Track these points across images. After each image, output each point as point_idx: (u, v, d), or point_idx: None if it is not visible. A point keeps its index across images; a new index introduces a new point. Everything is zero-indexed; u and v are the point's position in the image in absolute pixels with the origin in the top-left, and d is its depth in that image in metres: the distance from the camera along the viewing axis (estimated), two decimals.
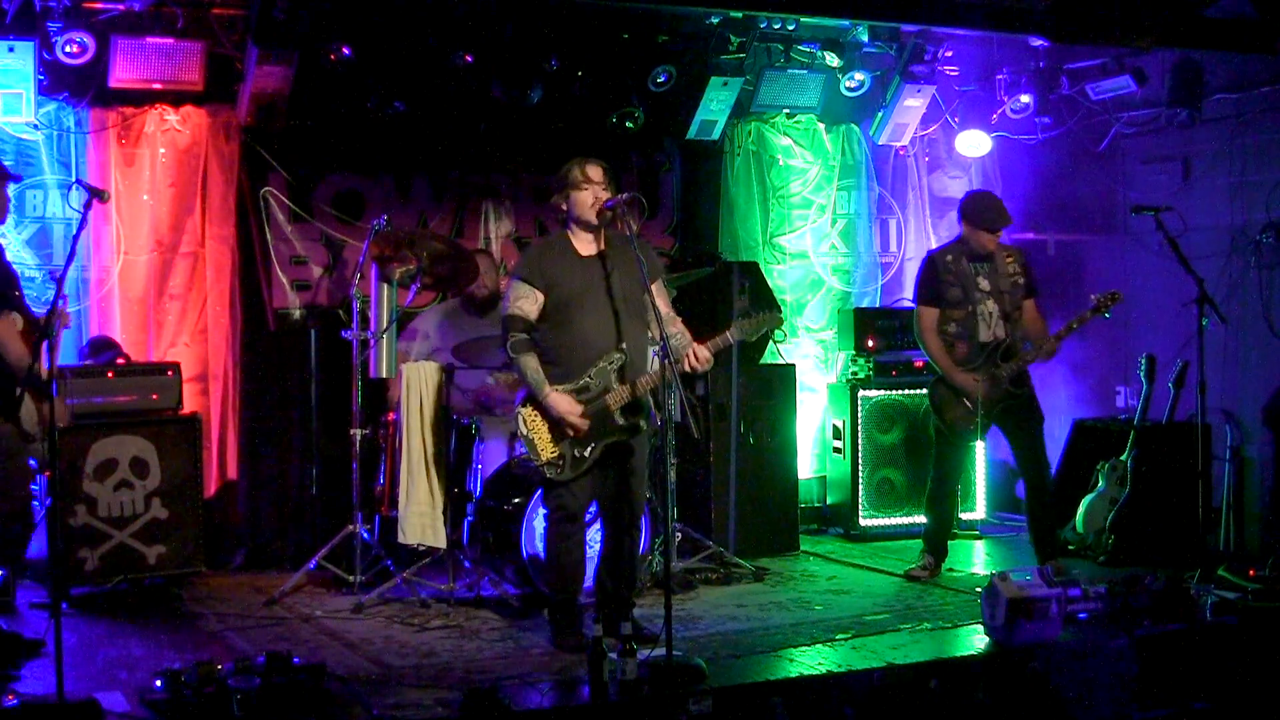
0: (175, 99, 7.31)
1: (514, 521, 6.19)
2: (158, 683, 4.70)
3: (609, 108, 7.97)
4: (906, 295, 9.04)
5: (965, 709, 5.26)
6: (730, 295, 7.63)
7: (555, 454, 5.48)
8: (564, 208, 5.56)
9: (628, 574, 5.68)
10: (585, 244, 5.57)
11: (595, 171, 5.49)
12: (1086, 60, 8.45)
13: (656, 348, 5.36)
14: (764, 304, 7.58)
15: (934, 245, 9.17)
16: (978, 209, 6.89)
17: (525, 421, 5.51)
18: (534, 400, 5.50)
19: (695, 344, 5.47)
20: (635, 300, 5.49)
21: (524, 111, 7.73)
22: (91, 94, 7.14)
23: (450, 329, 7.15)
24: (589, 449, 5.49)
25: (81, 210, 5.31)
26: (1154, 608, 5.83)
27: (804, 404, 8.28)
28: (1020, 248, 7.11)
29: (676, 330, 5.52)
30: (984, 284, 6.85)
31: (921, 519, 8.19)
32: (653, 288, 5.48)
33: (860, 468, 8.12)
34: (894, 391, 8.22)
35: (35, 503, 5.93)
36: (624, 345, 5.49)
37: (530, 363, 5.46)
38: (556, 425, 5.46)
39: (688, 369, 5.45)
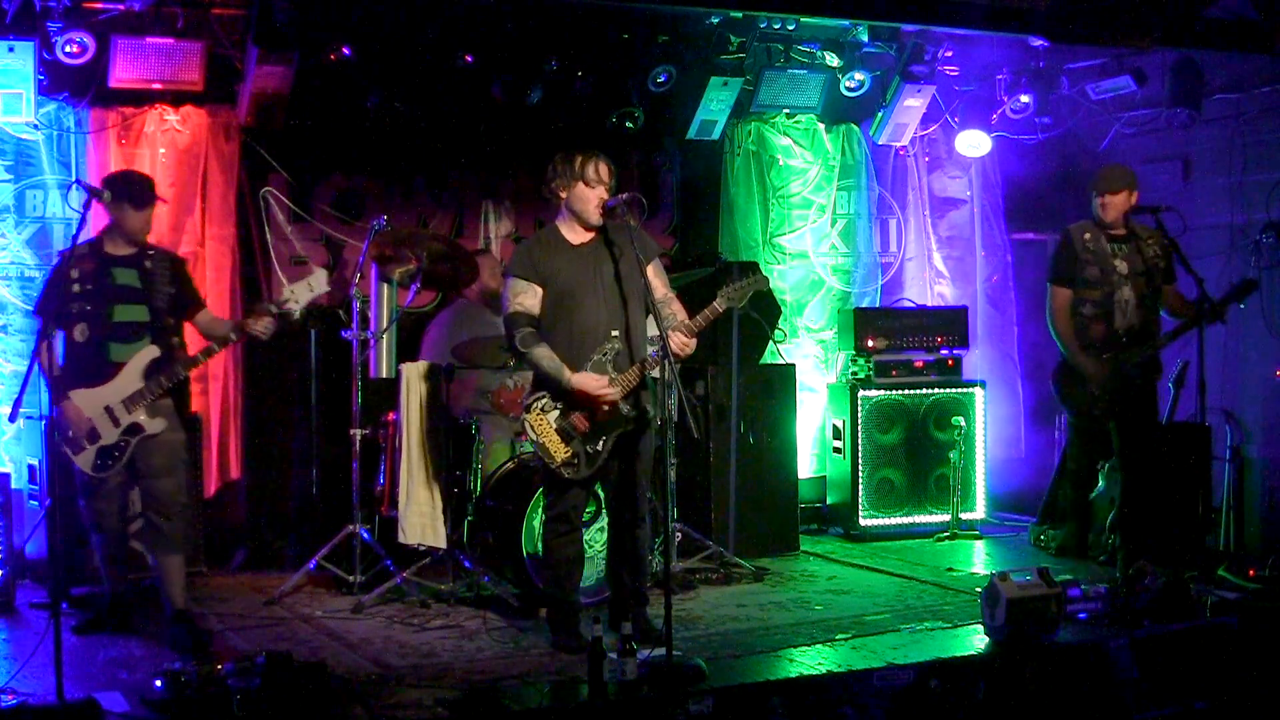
0: (175, 99, 7.31)
1: (514, 521, 6.18)
2: (158, 683, 4.70)
3: (609, 108, 7.97)
4: (907, 295, 9.06)
5: (965, 709, 5.26)
6: None
7: (569, 454, 5.46)
8: (563, 196, 5.53)
9: (639, 565, 5.66)
10: (576, 233, 5.55)
11: (605, 171, 5.46)
12: (1086, 60, 8.45)
13: (656, 346, 5.35)
14: (762, 305, 7.58)
15: (933, 245, 9.20)
16: (1097, 175, 6.74)
17: (533, 427, 5.48)
18: (549, 395, 5.46)
19: (675, 331, 5.32)
20: (633, 284, 5.47)
21: (524, 111, 7.74)
22: (91, 94, 7.15)
23: (460, 330, 7.14)
24: (601, 442, 5.47)
25: (81, 210, 5.36)
26: (1154, 608, 5.83)
27: (804, 404, 8.28)
28: (1162, 231, 6.77)
29: (670, 312, 5.47)
30: (1122, 266, 6.65)
31: (921, 519, 8.26)
32: (649, 269, 5.48)
33: (860, 468, 8.12)
34: (894, 391, 8.22)
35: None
36: (618, 333, 5.46)
37: (544, 352, 5.40)
38: (564, 425, 5.45)
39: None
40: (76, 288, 5.71)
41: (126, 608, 5.99)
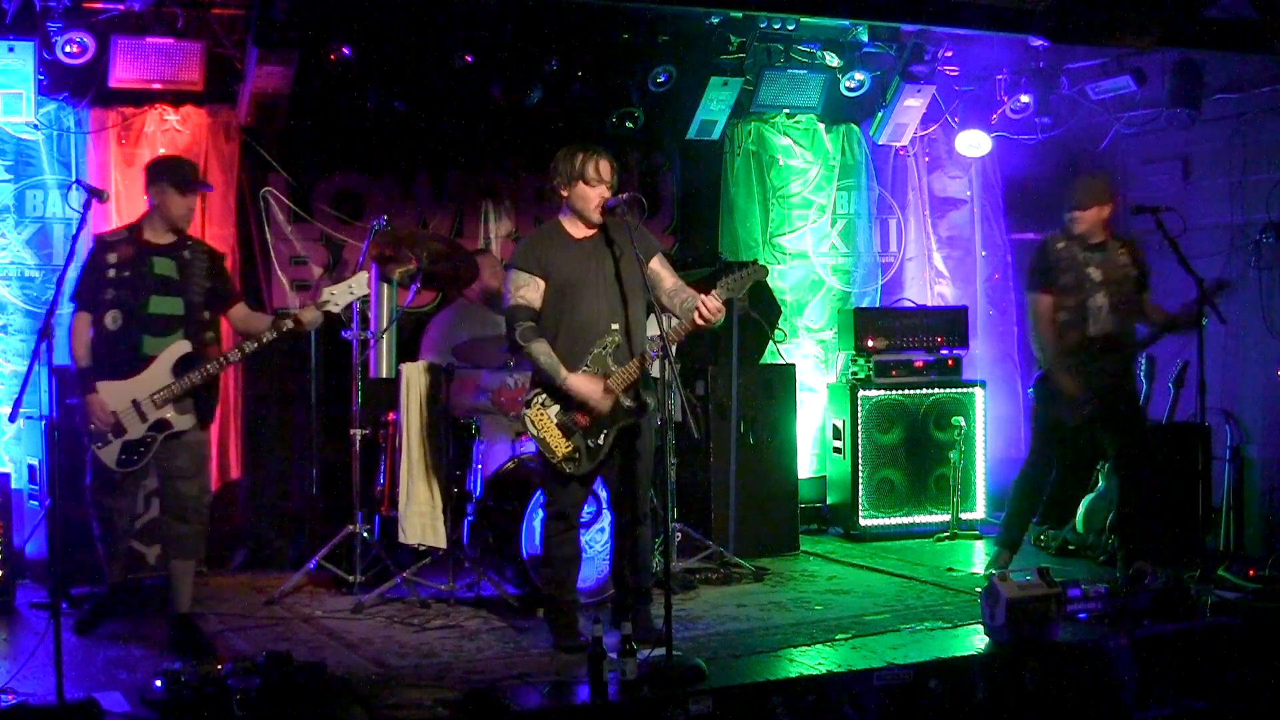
0: (175, 99, 7.31)
1: (514, 521, 6.19)
2: (158, 683, 4.70)
3: (609, 108, 7.97)
4: (907, 295, 9.06)
5: (965, 709, 5.26)
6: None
7: (570, 449, 5.45)
8: (564, 194, 5.52)
9: (643, 563, 5.65)
10: (579, 229, 5.55)
11: (606, 170, 5.44)
12: (1086, 60, 8.45)
13: (655, 346, 5.34)
14: (762, 304, 7.58)
15: (933, 245, 9.21)
16: (1071, 188, 6.77)
17: (533, 423, 5.48)
18: (548, 391, 5.45)
19: (703, 296, 5.33)
20: (634, 281, 5.47)
21: (524, 111, 7.74)
22: (91, 94, 7.14)
23: (460, 330, 7.14)
24: (601, 437, 5.46)
25: (81, 210, 5.33)
26: (1154, 608, 5.83)
27: (804, 404, 8.28)
28: (1136, 238, 6.91)
29: (685, 296, 5.46)
30: (1095, 274, 6.67)
31: (921, 519, 8.26)
32: (654, 263, 5.49)
33: (860, 468, 8.12)
34: (894, 391, 8.22)
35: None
36: (618, 326, 5.45)
37: (542, 348, 5.40)
38: (565, 420, 5.44)
39: (700, 323, 5.31)
40: (113, 273, 5.61)
41: (125, 603, 5.95)
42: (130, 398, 5.56)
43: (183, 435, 5.65)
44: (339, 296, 5.82)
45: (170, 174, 5.75)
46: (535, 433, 5.47)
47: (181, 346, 5.64)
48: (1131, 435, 6.80)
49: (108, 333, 5.61)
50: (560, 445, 5.45)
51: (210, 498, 5.99)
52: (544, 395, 5.49)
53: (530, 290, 5.46)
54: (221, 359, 5.75)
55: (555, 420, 5.45)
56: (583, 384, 5.38)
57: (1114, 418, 6.76)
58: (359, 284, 5.88)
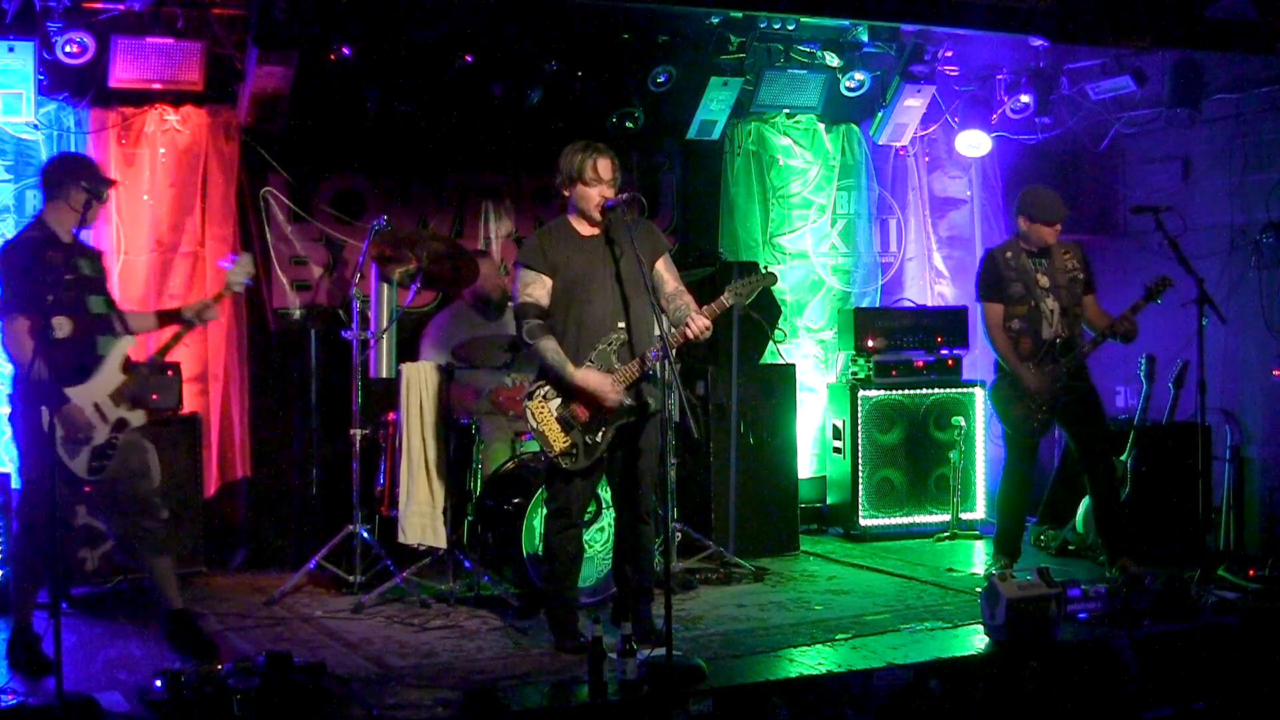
0: (175, 99, 7.31)
1: (514, 521, 6.19)
2: (158, 683, 4.70)
3: (609, 108, 7.97)
4: (907, 295, 9.06)
5: (965, 709, 5.26)
6: None
7: (568, 444, 5.45)
8: (566, 194, 5.53)
9: (645, 561, 5.64)
10: (585, 227, 5.55)
11: (606, 169, 5.44)
12: (1086, 60, 8.46)
13: (656, 341, 5.35)
14: (763, 304, 7.58)
15: (933, 245, 9.21)
16: (1035, 203, 6.82)
17: (533, 415, 5.48)
18: (552, 384, 5.46)
19: (693, 314, 5.36)
20: (635, 278, 5.46)
21: (524, 111, 7.74)
22: (91, 94, 7.14)
23: (458, 330, 7.15)
24: (600, 434, 5.46)
25: (82, 210, 5.31)
26: (1154, 608, 5.83)
27: (804, 404, 8.28)
28: (1079, 243, 7.07)
29: (681, 303, 5.48)
30: (1043, 280, 6.77)
31: (921, 519, 8.27)
32: (659, 263, 5.50)
33: (860, 468, 8.12)
34: (894, 391, 8.22)
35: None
36: (623, 324, 5.45)
37: (550, 344, 5.40)
38: (564, 414, 5.44)
39: (690, 337, 5.33)
40: (52, 277, 5.39)
41: (35, 640, 5.46)
42: (91, 401, 5.43)
43: (136, 431, 5.58)
44: (237, 275, 5.83)
45: (96, 174, 5.61)
46: (534, 425, 5.48)
47: (127, 342, 5.59)
48: (1093, 433, 6.86)
49: (57, 339, 5.35)
50: (558, 440, 5.45)
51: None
52: (547, 388, 5.49)
53: (537, 288, 5.46)
54: (163, 350, 5.75)
55: (555, 414, 5.46)
56: (591, 378, 5.39)
57: (1073, 416, 6.82)
58: (246, 262, 5.91)
